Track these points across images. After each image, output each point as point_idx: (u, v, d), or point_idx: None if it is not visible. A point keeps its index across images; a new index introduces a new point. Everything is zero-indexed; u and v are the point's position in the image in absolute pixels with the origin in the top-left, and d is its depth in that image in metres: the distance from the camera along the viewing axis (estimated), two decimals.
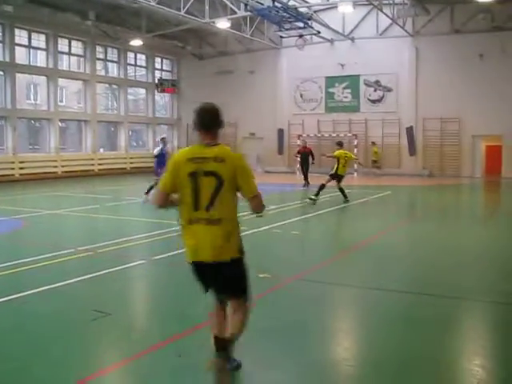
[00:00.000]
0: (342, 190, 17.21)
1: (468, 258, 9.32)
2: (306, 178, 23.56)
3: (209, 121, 4.42)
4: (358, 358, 5.15)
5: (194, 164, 4.21)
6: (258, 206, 4.51)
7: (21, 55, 28.92)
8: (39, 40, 29.80)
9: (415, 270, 8.55)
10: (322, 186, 16.81)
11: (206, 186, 4.19)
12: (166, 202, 4.38)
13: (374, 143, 30.63)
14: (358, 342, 5.58)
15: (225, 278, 4.37)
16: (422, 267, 8.65)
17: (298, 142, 31.82)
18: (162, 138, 18.15)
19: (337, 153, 17.63)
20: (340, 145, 18.39)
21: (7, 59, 27.65)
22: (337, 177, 17.17)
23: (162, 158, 16.33)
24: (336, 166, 17.27)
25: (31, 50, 29.67)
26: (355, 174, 29.75)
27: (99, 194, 21.04)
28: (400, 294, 7.06)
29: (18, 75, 28.90)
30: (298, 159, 25.41)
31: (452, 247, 10.32)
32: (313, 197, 16.51)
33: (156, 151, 17.35)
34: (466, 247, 10.39)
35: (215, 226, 4.23)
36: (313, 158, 24.34)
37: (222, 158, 4.20)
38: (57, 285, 7.22)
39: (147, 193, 16.27)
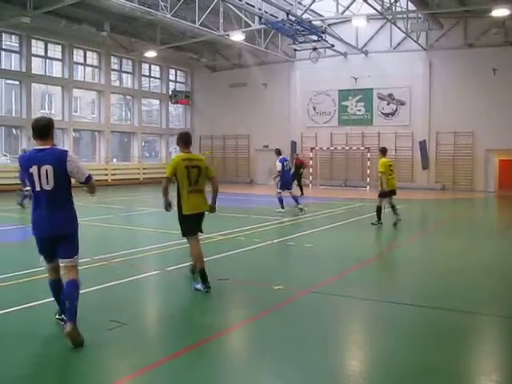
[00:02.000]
0: (377, 209, 14.78)
1: (482, 273, 9.25)
2: (301, 189, 24.68)
3: (189, 141, 7.96)
4: (374, 371, 5.12)
5: (187, 162, 7.67)
6: (216, 182, 8.04)
7: (37, 65, 29.26)
8: (55, 51, 30.16)
9: (430, 283, 8.50)
10: (379, 208, 14.75)
11: (193, 173, 7.65)
12: (169, 185, 7.73)
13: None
14: (373, 355, 5.54)
15: (202, 220, 7.99)
16: (436, 281, 8.60)
17: (311, 155, 31.97)
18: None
19: (381, 164, 14.67)
20: (383, 152, 15.10)
21: (24, 69, 28.03)
22: (386, 193, 14.68)
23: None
24: (381, 180, 14.78)
25: (47, 61, 30.01)
26: (368, 188, 29.72)
27: (112, 204, 21.12)
28: (415, 308, 7.03)
29: (34, 85, 29.23)
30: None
31: (466, 261, 10.26)
32: (375, 222, 14.73)
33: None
34: (481, 262, 10.30)
35: (199, 193, 7.79)
36: (303, 169, 25.62)
37: (200, 159, 7.94)
38: None
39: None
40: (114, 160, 35.02)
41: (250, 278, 8.63)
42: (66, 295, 5.51)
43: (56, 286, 5.84)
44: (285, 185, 17.68)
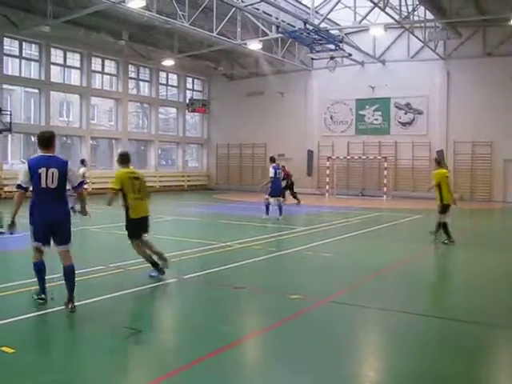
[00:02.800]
0: (443, 227, 13.21)
1: (499, 284, 9.15)
2: (296, 197, 25.28)
3: (127, 160, 9.31)
4: (390, 381, 5.06)
5: (130, 174, 8.98)
6: (148, 192, 9.50)
7: (56, 74, 29.51)
8: (74, 59, 30.40)
9: (446, 294, 8.42)
10: (441, 226, 13.18)
11: (136, 184, 8.93)
12: (117, 195, 8.90)
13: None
14: (389, 366, 5.47)
15: (147, 223, 9.17)
16: (454, 292, 8.52)
17: (327, 164, 31.90)
18: None
19: (435, 175, 13.32)
20: (439, 162, 13.77)
21: (43, 78, 28.28)
22: (445, 208, 13.19)
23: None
24: (438, 193, 13.21)
25: (66, 69, 30.25)
26: (385, 197, 29.58)
27: None
28: (432, 319, 6.94)
29: (53, 93, 29.46)
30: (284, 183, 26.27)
31: (483, 272, 10.15)
32: (445, 241, 13.08)
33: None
34: (498, 273, 10.19)
35: (142, 200, 9.06)
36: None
37: (139, 173, 9.34)
38: (89, 301, 7.26)
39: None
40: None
41: (267, 287, 8.58)
42: (68, 277, 6.87)
43: (42, 267, 7.04)
44: (274, 192, 18.22)
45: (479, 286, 8.96)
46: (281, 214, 17.92)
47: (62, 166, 6.84)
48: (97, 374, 5.05)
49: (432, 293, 8.64)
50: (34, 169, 6.70)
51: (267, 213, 17.91)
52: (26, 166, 6.80)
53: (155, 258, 9.03)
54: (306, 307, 7.35)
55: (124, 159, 9.35)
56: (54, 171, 6.73)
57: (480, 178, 29.33)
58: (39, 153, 6.93)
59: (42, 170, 6.68)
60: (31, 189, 6.83)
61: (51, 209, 6.83)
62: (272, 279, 9.37)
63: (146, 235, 9.14)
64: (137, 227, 9.02)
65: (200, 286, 8.59)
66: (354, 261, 11.30)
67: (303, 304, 7.47)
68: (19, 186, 6.79)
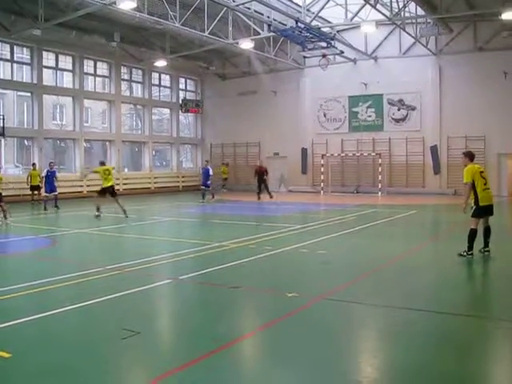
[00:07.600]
0: (486, 231, 11.04)
1: (497, 278, 9.18)
2: (259, 194, 26.98)
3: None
4: (387, 377, 5.07)
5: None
6: None
7: (48, 77, 29.46)
8: (66, 62, 30.35)
9: (443, 290, 8.43)
10: (473, 233, 10.71)
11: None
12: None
13: (223, 164, 34.61)
14: (386, 361, 5.48)
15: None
16: (449, 287, 8.53)
17: (322, 162, 31.93)
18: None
19: (466, 171, 11.29)
20: (470, 156, 11.56)
21: (35, 81, 28.22)
22: (481, 211, 10.98)
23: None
24: (472, 194, 11.14)
25: (58, 72, 30.20)
26: (379, 194, 29.63)
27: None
28: (428, 314, 6.96)
29: (45, 96, 29.40)
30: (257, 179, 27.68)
31: (480, 268, 10.19)
32: (463, 252, 10.63)
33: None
34: (494, 267, 10.25)
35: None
36: (266, 174, 27.75)
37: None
38: (85, 303, 7.25)
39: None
40: (126, 169, 35.14)
41: (264, 286, 8.60)
42: None
43: None
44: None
45: (474, 281, 9.00)
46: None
47: None
48: (93, 376, 5.05)
49: (428, 288, 8.65)
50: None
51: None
52: None
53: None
54: (302, 305, 7.36)
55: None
56: None
57: None
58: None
59: None
60: None
61: None
62: (268, 278, 9.38)
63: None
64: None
65: (196, 287, 8.59)
66: (350, 258, 11.33)
67: (300, 302, 7.48)
68: None
